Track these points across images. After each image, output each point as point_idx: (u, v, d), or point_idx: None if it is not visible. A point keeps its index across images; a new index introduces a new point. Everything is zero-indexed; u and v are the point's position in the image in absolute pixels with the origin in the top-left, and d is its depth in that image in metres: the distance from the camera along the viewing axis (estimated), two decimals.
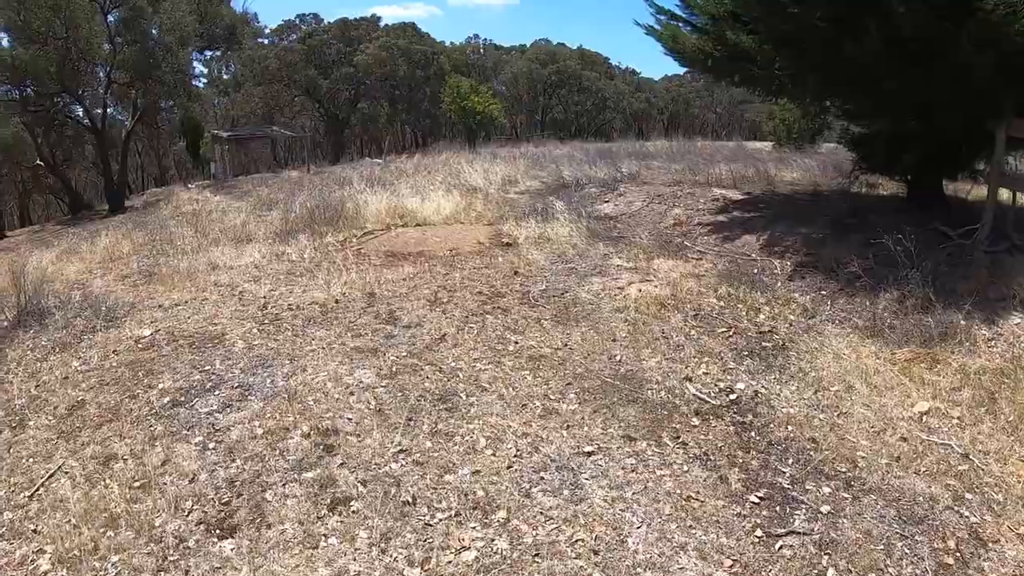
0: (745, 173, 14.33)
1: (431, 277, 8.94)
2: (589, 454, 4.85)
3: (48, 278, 11.38)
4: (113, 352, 7.30)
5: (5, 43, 20.42)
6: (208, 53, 26.14)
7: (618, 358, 6.46)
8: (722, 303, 7.90)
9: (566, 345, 6.70)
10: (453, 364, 6.25)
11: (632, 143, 27.94)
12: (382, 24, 43.57)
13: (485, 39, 69.42)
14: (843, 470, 4.63)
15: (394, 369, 6.15)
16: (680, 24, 12.01)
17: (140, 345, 7.42)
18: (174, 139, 28.82)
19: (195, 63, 25.61)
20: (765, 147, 26.35)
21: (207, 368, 6.48)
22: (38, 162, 24.32)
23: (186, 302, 8.83)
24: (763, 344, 6.81)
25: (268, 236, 12.01)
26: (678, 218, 11.48)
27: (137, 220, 17.23)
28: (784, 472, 4.64)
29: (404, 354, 6.48)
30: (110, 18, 20.63)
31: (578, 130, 50.40)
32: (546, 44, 63.18)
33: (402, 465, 4.71)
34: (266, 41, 34.40)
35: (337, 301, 8.15)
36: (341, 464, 4.72)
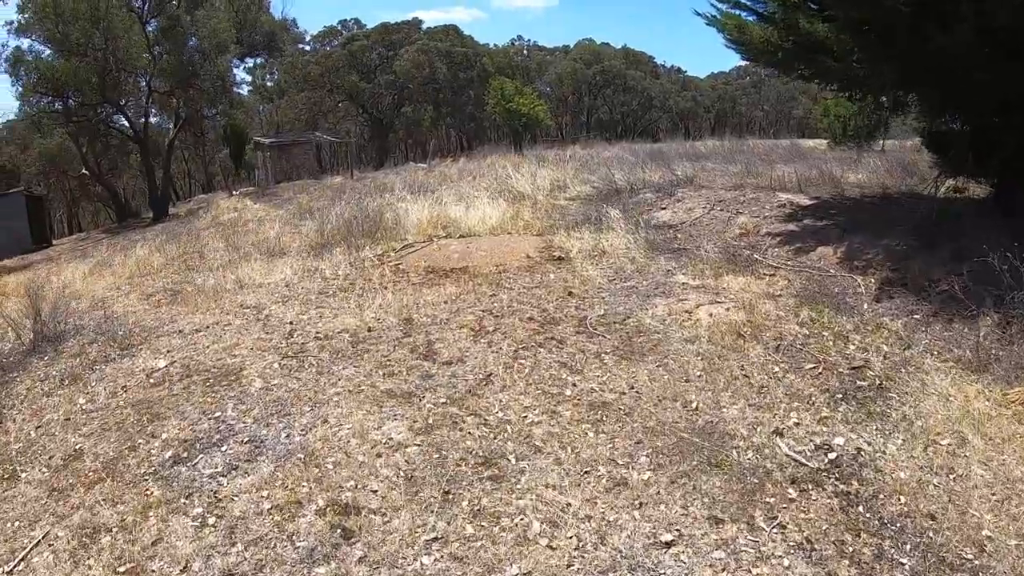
0: (808, 175, 12.98)
1: (475, 299, 7.98)
2: (668, 544, 3.82)
3: (76, 294, 10.92)
4: (122, 388, 6.60)
5: (46, 55, 20.39)
6: (249, 60, 25.96)
7: (694, 404, 5.39)
8: (805, 330, 6.77)
9: (632, 388, 5.65)
10: (500, 414, 5.26)
11: (682, 143, 26.58)
12: (423, 28, 43.11)
13: (529, 40, 68.52)
14: (969, 557, 3.78)
15: (430, 421, 5.20)
16: (745, 13, 10.86)
17: (152, 380, 6.68)
18: (220, 146, 28.72)
19: (236, 70, 25.37)
20: (819, 145, 24.81)
21: (217, 414, 5.65)
22: (83, 171, 24.34)
23: (208, 327, 8.07)
24: (857, 383, 5.69)
25: (302, 249, 11.26)
26: (744, 227, 10.28)
27: (175, 230, 16.80)
28: (903, 564, 3.67)
29: (443, 400, 5.52)
30: (149, 28, 20.40)
31: (624, 130, 49.03)
32: (589, 44, 61.85)
33: (436, 560, 3.74)
34: (308, 47, 34.24)
35: (370, 329, 7.26)
36: (361, 558, 3.77)
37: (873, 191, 11.97)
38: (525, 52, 63.02)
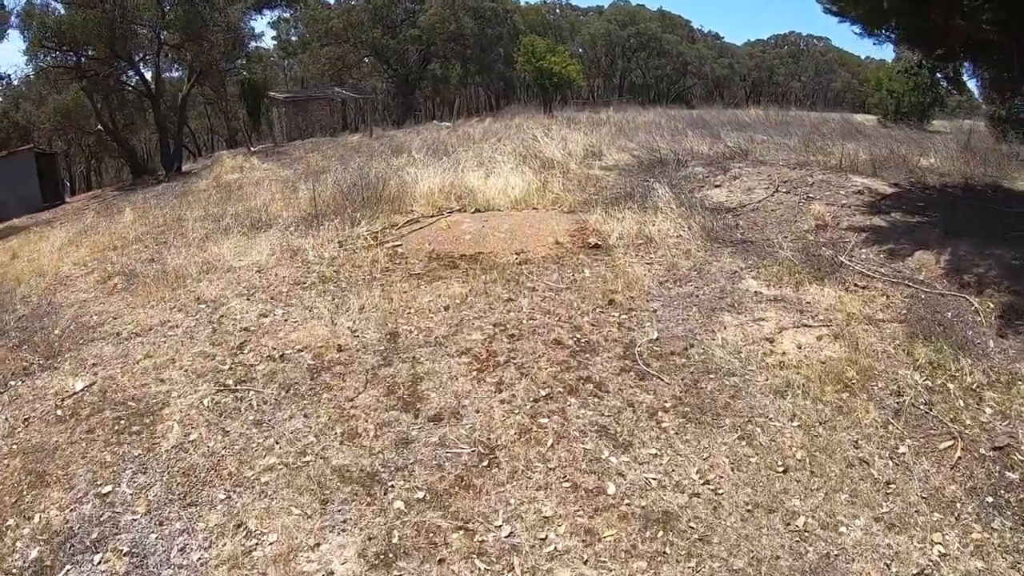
0: (878, 155, 10.43)
1: (486, 305, 5.81)
2: None
3: (40, 270, 9.06)
4: (24, 422, 4.88)
5: (62, 10, 18.37)
6: (268, 13, 23.57)
7: (800, 520, 3.31)
8: (926, 381, 4.73)
9: (707, 482, 3.52)
10: (503, 533, 3.18)
11: (721, 111, 23.67)
12: None
13: None
14: None
15: (395, 541, 3.13)
16: None
17: (61, 411, 4.88)
18: (240, 102, 26.73)
19: (253, 23, 23.03)
20: (868, 120, 22.01)
21: (109, 488, 3.75)
22: (98, 127, 22.46)
23: (150, 329, 6.09)
24: (1006, 474, 3.78)
25: (292, 222, 9.15)
26: (820, 217, 7.88)
27: (174, 192, 14.82)
28: None
29: (420, 496, 3.44)
30: None
31: (657, 95, 45.67)
32: (624, 4, 57.64)
33: None
34: (332, 1, 31.59)
35: (341, 348, 5.17)
36: None
37: (953, 180, 9.49)
38: (558, 11, 59.06)
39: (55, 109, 23.11)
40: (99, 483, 3.94)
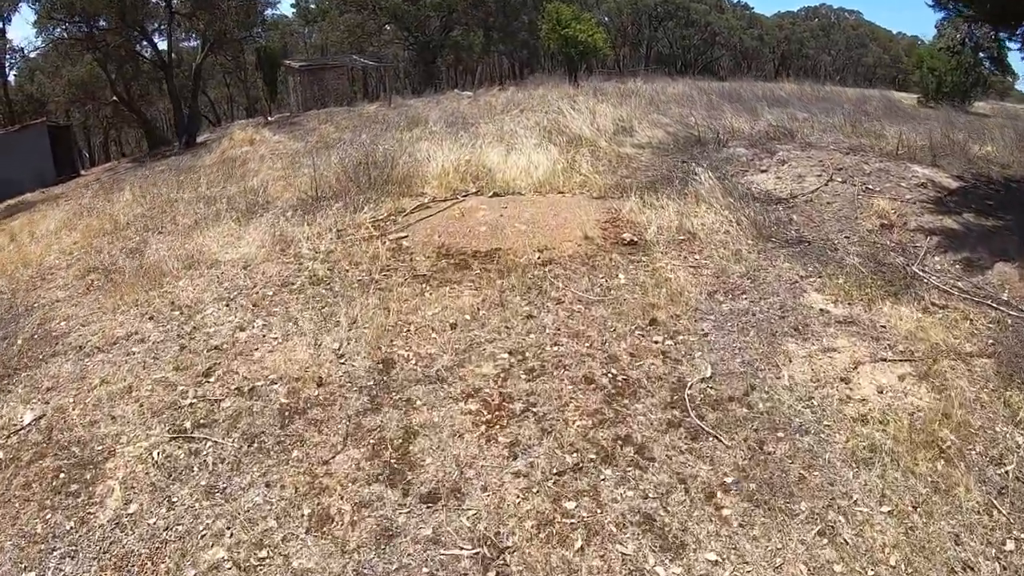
0: (933, 141, 9.03)
1: (501, 323, 4.74)
2: None
3: (26, 260, 8.24)
4: None
5: None
6: None
7: None
8: None
9: None
10: None
11: (753, 84, 21.83)
12: None
13: None
14: None
15: None
16: None
17: (2, 451, 3.93)
18: (258, 71, 25.58)
19: None
20: (906, 98, 20.28)
21: None
22: (114, 98, 21.59)
23: (115, 343, 5.19)
24: None
25: (290, 205, 8.12)
26: (884, 215, 6.64)
27: (181, 166, 13.88)
28: None
29: None
30: None
31: (684, 66, 43.36)
32: None
33: None
34: None
35: (321, 382, 4.18)
36: None
37: (1015, 173, 8.14)
38: None
39: (70, 81, 22.26)
40: (23, 566, 3.06)
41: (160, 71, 20.09)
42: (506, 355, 4.32)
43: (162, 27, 20.09)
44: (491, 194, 7.76)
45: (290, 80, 21.79)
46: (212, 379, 4.45)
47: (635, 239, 6.09)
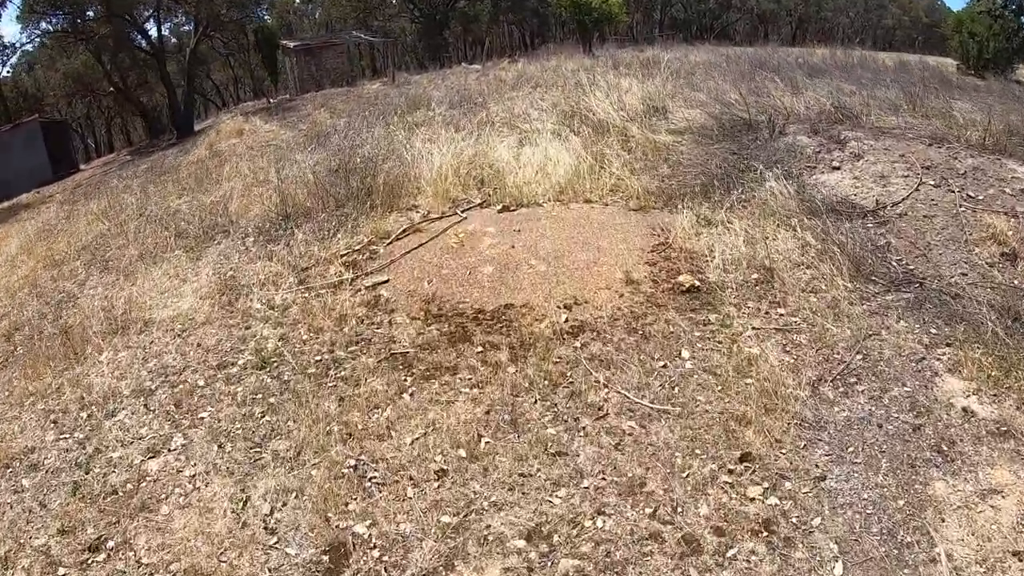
0: (1011, 124, 6.77)
1: (516, 465, 2.86)
2: None
3: None
4: None
5: None
6: None
7: None
8: None
9: None
10: None
11: (780, 51, 19.06)
12: None
13: None
14: None
15: None
16: None
17: None
18: (256, 52, 23.41)
19: None
20: (943, 64, 17.60)
21: None
22: (111, 89, 19.67)
23: (9, 465, 3.52)
24: None
25: (253, 227, 6.21)
26: (1002, 238, 4.59)
27: (163, 165, 11.99)
28: None
29: None
30: None
31: (700, 31, 39.93)
32: None
33: None
34: None
35: None
36: None
37: None
38: None
39: (66, 74, 20.37)
40: None
41: (155, 58, 18.04)
42: (522, 542, 2.44)
43: (153, 14, 18.00)
44: (500, 207, 5.77)
45: (287, 61, 19.67)
46: (100, 558, 2.67)
47: (696, 283, 4.10)
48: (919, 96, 8.51)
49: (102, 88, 20.68)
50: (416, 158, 7.11)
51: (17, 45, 19.73)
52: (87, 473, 3.39)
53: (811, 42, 24.19)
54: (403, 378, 3.57)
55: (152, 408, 3.88)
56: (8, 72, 21.20)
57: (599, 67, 12.00)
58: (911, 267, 4.38)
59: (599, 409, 3.10)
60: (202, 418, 3.70)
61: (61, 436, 3.76)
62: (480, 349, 3.68)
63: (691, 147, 6.74)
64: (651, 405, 3.10)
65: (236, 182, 8.01)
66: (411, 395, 3.41)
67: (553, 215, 5.47)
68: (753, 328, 3.65)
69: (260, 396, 3.75)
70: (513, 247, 4.79)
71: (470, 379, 3.44)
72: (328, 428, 3.31)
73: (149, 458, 3.45)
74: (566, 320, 3.83)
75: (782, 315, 3.81)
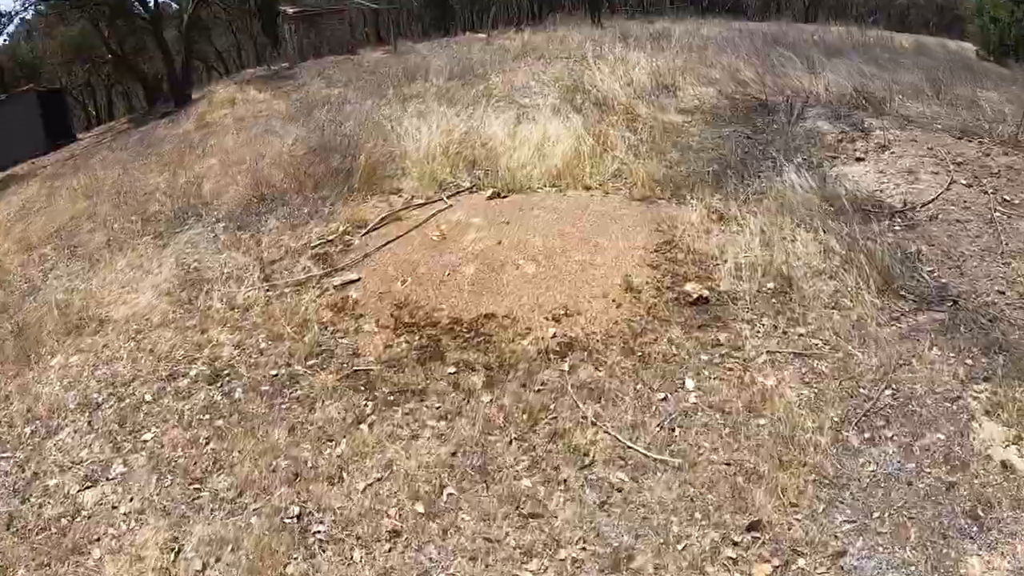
0: None
1: (481, 526, 2.37)
2: None
3: None
4: None
5: None
6: None
7: None
8: None
9: None
10: None
11: (795, 27, 17.87)
12: None
13: None
14: None
15: None
16: None
17: None
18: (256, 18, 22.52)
19: None
20: (962, 47, 16.49)
21: None
22: (109, 56, 18.93)
23: None
24: None
25: (227, 211, 5.66)
26: None
27: (152, 137, 11.38)
28: None
29: None
30: None
31: (711, 3, 38.19)
32: None
33: None
34: None
35: None
36: None
37: None
38: None
39: (63, 42, 19.64)
40: None
41: (152, 25, 17.27)
42: None
43: None
44: (490, 192, 5.18)
45: (285, 28, 18.85)
46: None
47: (704, 292, 3.53)
48: (943, 83, 7.73)
49: (101, 55, 19.93)
50: (404, 135, 6.49)
51: (13, 13, 18.97)
52: (23, 503, 2.97)
53: (825, 19, 22.97)
54: (363, 403, 3.07)
55: (96, 426, 3.43)
56: (5, 40, 20.46)
57: (607, 39, 11.17)
58: (944, 281, 3.79)
59: (585, 455, 2.59)
60: (145, 441, 3.24)
61: (2, 456, 3.32)
62: (452, 370, 3.16)
63: (702, 128, 6.08)
64: (646, 453, 2.58)
65: (218, 158, 7.44)
66: (370, 426, 2.91)
67: (548, 204, 4.89)
68: (768, 352, 3.11)
69: (208, 417, 3.27)
70: (500, 243, 4.23)
71: (438, 408, 2.93)
72: (274, 463, 2.83)
73: (86, 488, 3.02)
74: (554, 335, 3.29)
75: (801, 336, 3.26)
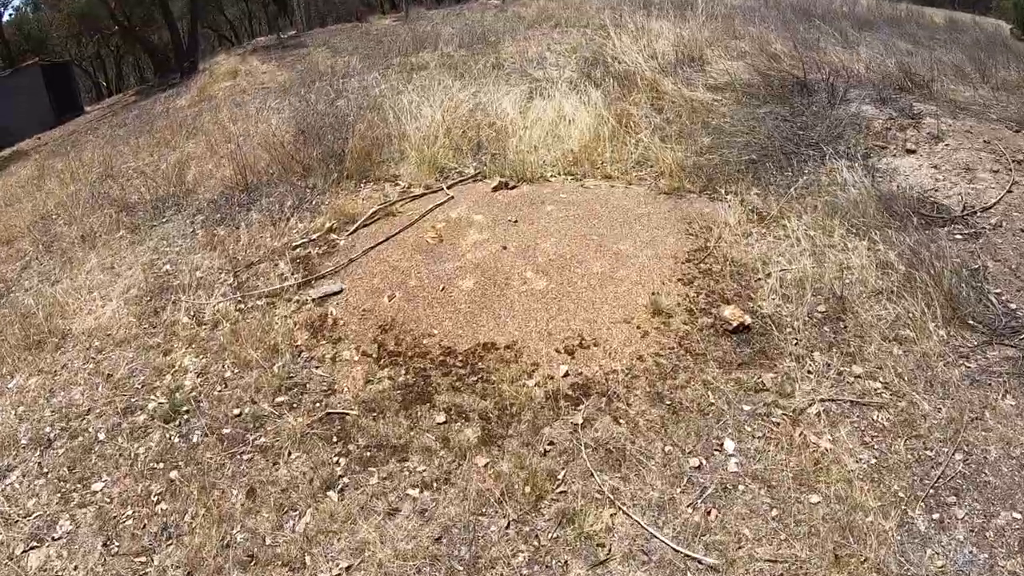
0: None
1: None
2: None
3: None
4: None
5: None
6: None
7: None
8: None
9: None
10: None
11: None
12: None
13: None
14: None
15: None
16: None
17: None
18: None
19: None
20: (996, 24, 14.97)
21: None
22: (115, 27, 18.28)
23: None
24: None
25: (211, 198, 5.10)
26: None
27: (153, 111, 10.81)
28: None
29: None
30: None
31: None
32: None
33: None
34: None
35: None
36: None
37: None
38: None
39: (69, 14, 18.97)
40: None
41: None
42: None
43: None
44: (496, 183, 4.54)
45: None
46: None
47: (746, 320, 2.90)
48: (982, 62, 6.78)
49: (108, 27, 19.25)
50: (404, 113, 5.83)
51: None
52: None
53: None
54: (334, 459, 2.53)
55: (46, 469, 2.98)
56: (11, 14, 19.85)
57: (627, 5, 10.21)
58: (1013, 306, 3.11)
59: (599, 546, 2.03)
60: (95, 492, 2.78)
61: None
62: (442, 418, 2.59)
63: (734, 109, 5.31)
64: (675, 547, 2.01)
65: (208, 137, 6.84)
66: (340, 492, 2.38)
67: (562, 198, 4.25)
68: (821, 401, 2.49)
69: (162, 466, 2.78)
70: (505, 248, 3.62)
71: (422, 473, 2.38)
72: (229, 536, 2.32)
73: (31, 548, 2.58)
74: (566, 374, 2.71)
75: (858, 377, 2.64)
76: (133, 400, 3.22)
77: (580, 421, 2.49)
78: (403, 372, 2.86)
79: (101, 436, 3.08)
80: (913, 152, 4.66)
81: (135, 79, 23.37)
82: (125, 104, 15.49)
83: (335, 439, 2.63)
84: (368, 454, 2.52)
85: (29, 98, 16.17)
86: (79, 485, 2.86)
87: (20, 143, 14.23)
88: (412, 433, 2.56)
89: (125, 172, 6.70)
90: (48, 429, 3.25)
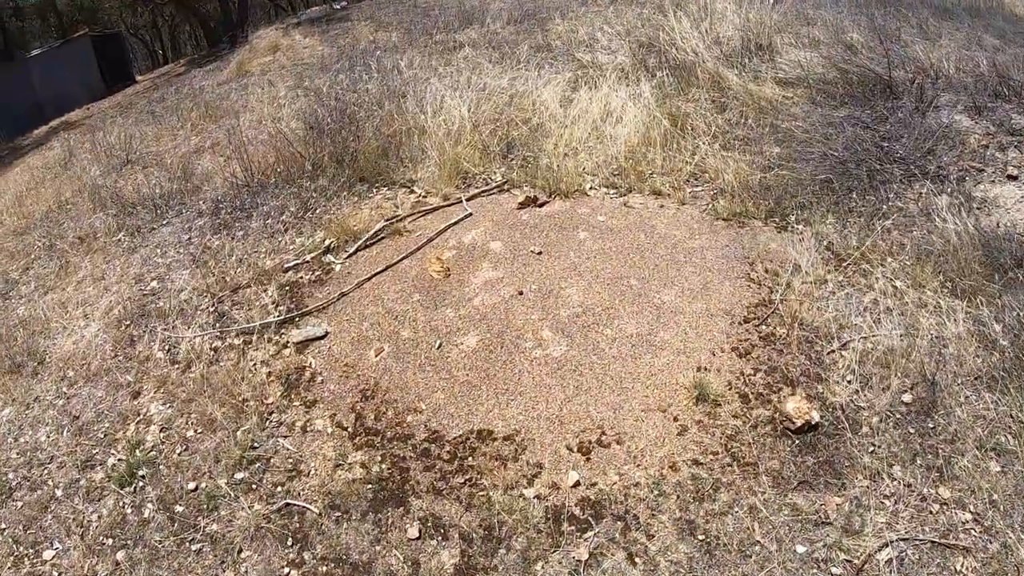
0: None
1: None
2: None
3: None
4: None
5: None
6: None
7: None
8: None
9: None
10: None
11: None
12: None
13: None
14: None
15: None
16: None
17: None
18: None
19: None
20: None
21: None
22: None
23: None
24: None
25: (210, 200, 4.72)
26: None
27: (192, 87, 10.62)
28: None
29: None
30: None
31: None
32: None
33: None
34: None
35: None
36: None
37: None
38: None
39: None
40: None
41: None
42: None
43: None
44: (523, 198, 3.98)
45: None
46: None
47: (813, 417, 2.28)
48: None
49: None
50: (429, 104, 5.28)
51: None
52: None
53: None
54: (286, 570, 2.10)
55: (4, 525, 2.74)
56: None
57: None
58: None
59: None
60: (45, 561, 2.51)
61: None
62: (415, 533, 2.12)
63: (808, 110, 4.49)
64: None
65: (230, 123, 6.51)
66: None
67: (599, 221, 3.66)
68: (895, 543, 1.88)
69: (111, 542, 2.48)
70: (521, 293, 3.08)
71: None
72: None
73: None
74: (576, 484, 2.17)
75: (945, 504, 2.01)
76: (94, 452, 2.91)
77: (585, 556, 1.96)
78: (379, 459, 2.39)
79: (59, 493, 2.80)
80: (1015, 179, 3.79)
81: (191, 48, 23.67)
82: (172, 76, 15.55)
83: (291, 541, 2.21)
84: (324, 569, 2.09)
85: (80, 68, 16.49)
86: (31, 551, 2.60)
87: (69, 114, 14.50)
88: (378, 548, 2.11)
89: (144, 158, 6.48)
90: (12, 475, 3.00)
